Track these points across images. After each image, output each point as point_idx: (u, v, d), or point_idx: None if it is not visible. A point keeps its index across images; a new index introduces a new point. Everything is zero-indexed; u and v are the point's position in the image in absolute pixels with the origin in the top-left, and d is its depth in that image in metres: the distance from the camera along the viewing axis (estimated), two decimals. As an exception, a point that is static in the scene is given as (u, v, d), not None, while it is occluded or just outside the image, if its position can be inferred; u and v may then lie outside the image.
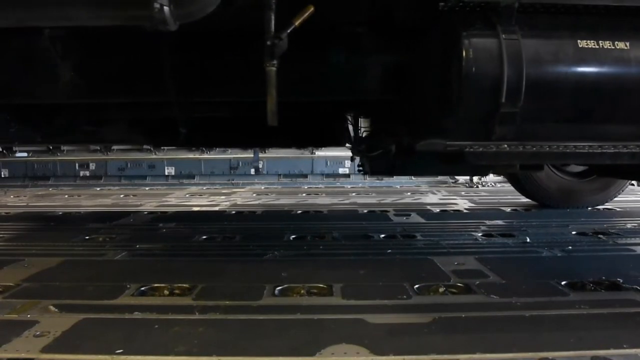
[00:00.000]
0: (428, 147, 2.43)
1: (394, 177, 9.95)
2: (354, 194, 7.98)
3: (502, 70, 2.15)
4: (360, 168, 4.84)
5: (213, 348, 1.92)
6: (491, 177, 9.75)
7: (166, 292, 2.64)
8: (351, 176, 10.09)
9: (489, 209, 5.95)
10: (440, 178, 9.86)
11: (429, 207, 6.16)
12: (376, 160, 4.12)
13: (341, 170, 10.14)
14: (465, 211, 5.81)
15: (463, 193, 7.88)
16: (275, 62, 2.27)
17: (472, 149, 2.27)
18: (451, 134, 2.32)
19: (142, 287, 2.68)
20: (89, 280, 2.85)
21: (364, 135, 4.32)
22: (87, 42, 2.94)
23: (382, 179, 9.96)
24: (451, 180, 9.78)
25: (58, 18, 2.04)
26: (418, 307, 2.39)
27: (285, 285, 2.69)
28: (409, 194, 7.91)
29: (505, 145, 2.28)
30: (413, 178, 9.94)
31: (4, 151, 10.11)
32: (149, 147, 10.06)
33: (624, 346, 1.91)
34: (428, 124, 2.69)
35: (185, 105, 3.55)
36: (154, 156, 10.19)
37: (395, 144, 3.59)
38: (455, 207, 6.12)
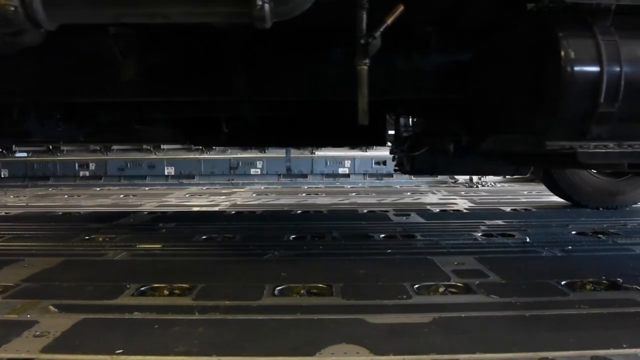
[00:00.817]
0: (521, 147, 2.45)
1: (395, 177, 9.98)
2: (353, 193, 7.98)
3: (602, 71, 2.16)
4: (396, 167, 4.85)
5: (213, 348, 1.92)
6: (491, 177, 9.76)
7: (166, 292, 2.64)
8: (351, 176, 10.09)
9: (489, 208, 5.95)
10: (440, 178, 9.87)
11: (428, 207, 6.16)
12: (419, 159, 4.14)
13: (341, 170, 10.13)
14: (465, 211, 5.81)
15: (463, 193, 7.88)
16: (367, 61, 2.27)
17: (583, 149, 2.28)
18: (547, 134, 2.32)
19: (142, 287, 2.68)
20: (89, 280, 2.85)
21: (405, 135, 4.32)
22: (151, 40, 2.91)
23: (381, 179, 9.97)
24: (451, 180, 9.79)
25: (154, 15, 2.00)
26: (418, 307, 2.39)
27: (285, 285, 2.69)
28: (408, 193, 7.92)
29: (614, 145, 2.29)
30: (413, 178, 9.95)
31: (4, 151, 10.11)
32: (149, 147, 10.07)
33: (624, 346, 1.90)
34: (512, 124, 2.67)
35: (254, 104, 3.52)
36: (154, 156, 10.19)
37: (453, 143, 3.61)
38: (455, 207, 6.12)
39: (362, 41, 2.23)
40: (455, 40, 2.98)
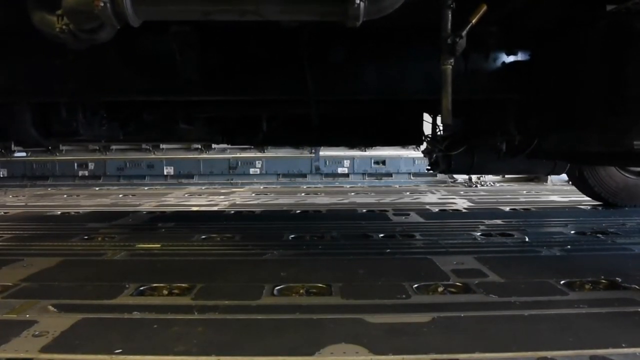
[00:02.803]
0: (596, 147, 2.45)
1: (394, 177, 9.99)
2: (352, 193, 7.98)
3: None
4: (430, 167, 4.85)
5: (212, 348, 1.92)
6: (490, 177, 9.77)
7: (165, 291, 2.64)
8: (350, 176, 10.09)
9: (488, 208, 5.95)
10: (439, 177, 9.87)
11: (428, 206, 6.16)
12: (456, 158, 4.15)
13: (340, 170, 10.13)
14: (464, 211, 5.82)
15: (462, 193, 7.88)
16: (452, 60, 2.27)
17: None
18: (630, 133, 2.33)
19: (141, 286, 2.67)
20: (88, 280, 2.85)
21: (441, 135, 4.32)
22: (211, 38, 2.88)
23: (381, 179, 9.96)
24: (450, 180, 9.79)
25: (246, 12, 2.00)
26: (417, 306, 2.39)
27: (284, 285, 2.69)
28: (407, 193, 7.92)
29: None
30: (412, 177, 9.95)
31: (3, 151, 10.10)
32: (148, 146, 10.06)
33: (623, 345, 1.90)
34: (585, 123, 2.66)
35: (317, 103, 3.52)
36: (153, 156, 10.18)
37: (505, 142, 3.64)
38: (454, 207, 6.13)
39: (449, 41, 2.24)
40: (515, 40, 2.96)
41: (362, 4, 1.89)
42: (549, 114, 3.01)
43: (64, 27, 2.02)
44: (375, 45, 2.97)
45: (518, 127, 3.58)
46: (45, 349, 1.90)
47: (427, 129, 4.57)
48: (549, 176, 9.29)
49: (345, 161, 10.08)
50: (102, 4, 1.84)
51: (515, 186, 8.90)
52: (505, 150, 3.76)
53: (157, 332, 2.08)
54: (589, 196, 6.11)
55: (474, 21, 2.24)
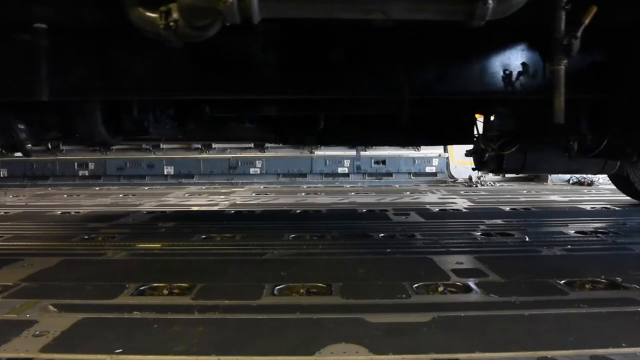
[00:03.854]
0: None
1: (394, 176, 9.99)
2: (353, 193, 7.98)
3: None
4: (476, 167, 4.85)
5: (212, 347, 1.92)
6: (490, 177, 9.77)
7: (165, 291, 2.64)
8: (350, 175, 10.09)
9: (488, 208, 5.95)
10: (439, 177, 9.89)
11: (428, 206, 6.17)
12: (509, 158, 4.16)
13: (340, 170, 10.13)
14: (464, 210, 5.82)
15: (462, 192, 7.89)
16: (566, 60, 2.28)
17: None
18: None
19: (141, 286, 2.67)
20: (88, 279, 2.85)
21: (491, 134, 4.31)
22: (297, 36, 2.83)
23: (381, 179, 9.96)
24: (450, 180, 9.80)
25: (372, 11, 1.98)
26: (417, 306, 2.39)
27: (285, 285, 2.69)
28: (408, 193, 7.92)
29: None
30: (412, 177, 9.95)
31: (3, 151, 10.08)
32: (148, 146, 10.06)
33: (623, 345, 1.91)
34: None
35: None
36: (153, 156, 10.18)
37: (577, 142, 3.68)
38: (455, 207, 6.13)
39: (565, 42, 2.24)
40: (595, 40, 2.93)
41: (491, 4, 1.89)
42: (629, 113, 3.01)
43: (171, 23, 2.01)
44: (457, 44, 2.94)
45: (590, 126, 3.59)
46: (45, 349, 1.91)
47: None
48: (549, 176, 9.29)
49: (345, 161, 10.08)
50: (229, 1, 1.82)
51: (515, 186, 8.91)
52: (576, 150, 3.78)
53: (157, 331, 2.09)
54: (629, 196, 6.27)
55: (586, 22, 2.25)
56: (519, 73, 2.93)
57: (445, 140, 5.35)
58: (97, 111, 3.33)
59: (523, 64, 2.92)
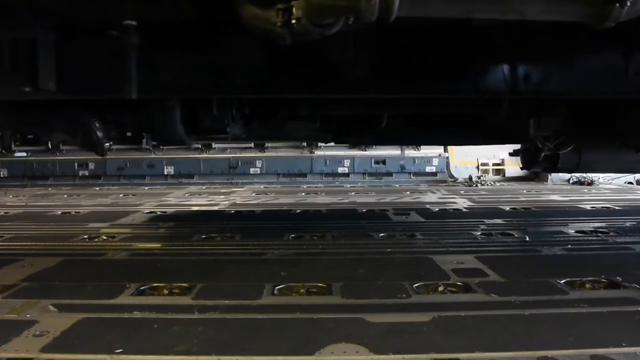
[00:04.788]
0: None
1: (394, 176, 9.99)
2: (353, 193, 7.98)
3: None
4: (525, 166, 4.84)
5: (212, 347, 1.92)
6: (490, 176, 9.77)
7: (165, 291, 2.64)
8: (350, 175, 10.08)
9: (489, 207, 5.95)
10: (439, 177, 9.88)
11: (428, 206, 6.16)
12: (564, 157, 4.16)
13: (340, 170, 10.12)
14: (464, 210, 5.82)
15: (462, 192, 7.88)
16: None
17: None
18: None
19: (142, 286, 2.67)
20: (89, 279, 2.85)
21: (548, 133, 4.31)
22: (389, 34, 2.75)
23: (381, 179, 9.96)
24: (450, 179, 9.80)
25: (509, 12, 1.98)
26: (417, 305, 2.39)
27: (285, 285, 2.69)
28: (408, 193, 7.92)
29: None
30: (412, 177, 9.95)
31: (3, 151, 10.09)
32: (148, 146, 10.05)
33: (623, 344, 1.91)
34: None
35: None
36: (153, 156, 10.17)
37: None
38: (455, 206, 6.12)
39: None
40: None
41: (628, 5, 1.88)
42: None
43: (293, 21, 2.00)
44: (556, 45, 2.93)
45: None
46: (45, 349, 1.91)
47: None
48: (549, 175, 9.29)
49: (345, 160, 10.07)
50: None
51: (515, 185, 8.91)
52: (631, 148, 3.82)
53: (157, 331, 2.09)
54: None
55: None
56: (603, 74, 2.90)
57: (498, 139, 5.33)
58: (176, 110, 3.31)
59: (607, 65, 2.89)
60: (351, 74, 2.83)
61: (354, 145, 9.56)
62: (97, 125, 3.30)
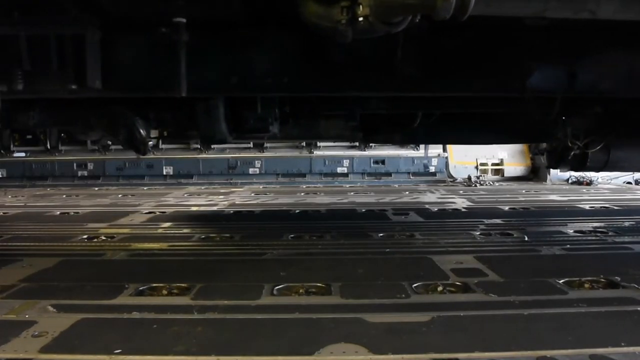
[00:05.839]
0: None
1: (393, 176, 9.98)
2: (352, 193, 7.98)
3: None
4: (552, 165, 4.83)
5: (212, 347, 1.92)
6: (489, 176, 9.77)
7: (164, 291, 2.64)
8: (349, 175, 10.08)
9: (488, 207, 5.95)
10: (438, 177, 9.88)
11: (427, 206, 6.16)
12: (593, 156, 4.16)
13: (339, 170, 10.12)
14: (463, 210, 5.82)
15: (461, 192, 7.88)
16: None
17: None
18: None
19: (141, 287, 2.67)
20: (88, 280, 2.85)
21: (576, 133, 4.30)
22: (438, 33, 2.73)
23: (380, 178, 9.96)
24: (449, 179, 9.80)
25: (581, 10, 1.99)
26: (417, 305, 2.39)
27: (284, 285, 2.69)
28: (407, 193, 7.92)
29: None
30: (411, 177, 9.95)
31: (2, 151, 10.07)
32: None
33: (622, 344, 1.91)
34: None
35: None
36: (152, 156, 10.15)
37: None
38: (454, 206, 6.12)
39: None
40: None
41: None
42: None
43: (360, 19, 2.00)
44: (612, 46, 2.92)
45: None
46: (44, 349, 1.91)
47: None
48: (548, 175, 9.30)
49: (344, 160, 10.07)
50: None
51: (514, 185, 8.91)
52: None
53: (156, 332, 2.08)
54: None
55: None
56: None
57: (526, 138, 5.32)
58: (220, 108, 3.29)
59: None
60: (400, 72, 2.82)
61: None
62: (140, 123, 3.29)
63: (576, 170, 4.85)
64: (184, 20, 2.45)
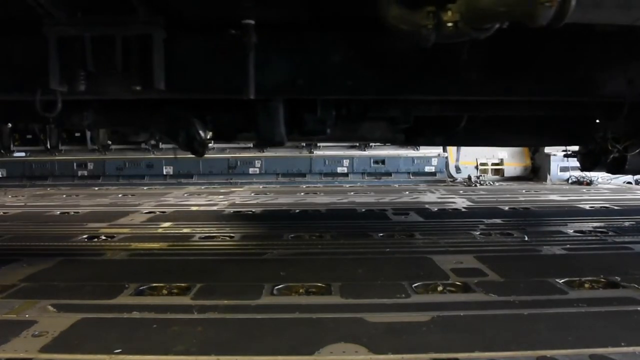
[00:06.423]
0: None
1: (393, 176, 9.99)
2: (352, 192, 7.98)
3: None
4: (586, 168, 4.82)
5: (212, 347, 1.92)
6: (489, 176, 9.77)
7: (164, 291, 2.64)
8: (349, 175, 10.08)
9: (488, 207, 5.95)
10: (438, 177, 9.88)
11: (427, 206, 6.16)
12: (633, 159, 4.15)
13: (339, 170, 10.12)
14: (463, 210, 5.82)
15: (461, 192, 7.88)
16: None
17: None
18: None
19: (141, 286, 2.67)
20: (88, 279, 2.85)
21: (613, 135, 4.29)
22: (499, 38, 2.79)
23: (380, 178, 9.96)
24: (449, 179, 9.79)
25: None
26: (417, 305, 2.39)
27: (284, 285, 2.69)
28: (407, 193, 7.92)
29: None
30: (411, 177, 9.95)
31: (2, 151, 10.07)
32: (147, 146, 10.04)
33: (622, 344, 1.91)
34: None
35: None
36: (152, 156, 10.15)
37: None
38: (454, 206, 6.12)
39: None
40: None
41: None
42: None
43: (448, 24, 2.00)
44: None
45: None
46: (44, 349, 1.91)
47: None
48: (548, 175, 9.30)
49: (344, 160, 10.06)
50: (555, 3, 1.80)
51: (514, 185, 8.91)
52: None
53: (156, 331, 2.08)
54: None
55: None
56: None
57: (565, 140, 5.30)
58: (280, 110, 3.26)
59: None
60: (464, 75, 2.81)
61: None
62: (199, 125, 3.25)
63: (613, 173, 4.86)
64: (252, 22, 2.44)
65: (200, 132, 3.23)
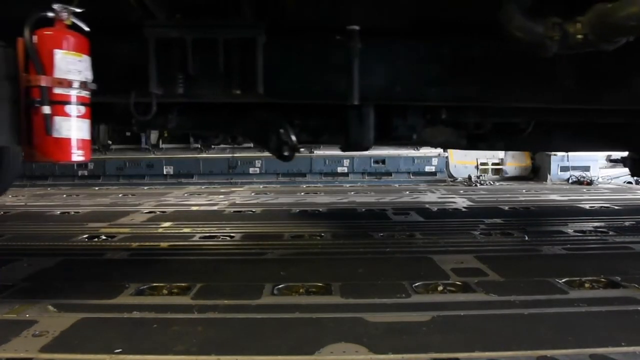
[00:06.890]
0: None
1: (393, 176, 9.98)
2: (352, 192, 7.98)
3: None
4: (632, 173, 4.80)
5: (212, 347, 1.92)
6: (489, 176, 9.77)
7: (165, 291, 2.64)
8: (349, 175, 10.08)
9: (488, 207, 5.95)
10: (439, 177, 9.88)
11: (427, 205, 6.16)
12: None
13: (339, 169, 10.12)
14: (464, 210, 5.82)
15: (462, 192, 7.88)
16: None
17: None
18: None
19: (141, 286, 2.67)
20: (88, 279, 2.85)
21: None
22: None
23: (380, 178, 9.96)
24: (450, 179, 9.80)
25: None
26: (417, 305, 2.39)
27: (284, 284, 2.69)
28: (407, 192, 7.92)
29: None
30: (412, 177, 9.95)
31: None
32: (147, 146, 10.04)
33: (623, 344, 1.91)
34: None
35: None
36: (153, 155, 10.16)
37: None
38: (454, 206, 6.12)
39: None
40: None
41: None
42: None
43: (577, 36, 2.02)
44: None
45: None
46: (45, 349, 1.91)
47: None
48: (548, 175, 9.30)
49: (344, 160, 10.06)
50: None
51: (514, 185, 8.91)
52: None
53: (156, 331, 2.09)
54: None
55: None
56: None
57: (627, 146, 5.32)
58: (371, 115, 3.25)
59: None
60: (560, 84, 2.82)
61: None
62: (290, 129, 3.22)
63: None
64: (357, 27, 2.45)
65: (292, 136, 3.21)
